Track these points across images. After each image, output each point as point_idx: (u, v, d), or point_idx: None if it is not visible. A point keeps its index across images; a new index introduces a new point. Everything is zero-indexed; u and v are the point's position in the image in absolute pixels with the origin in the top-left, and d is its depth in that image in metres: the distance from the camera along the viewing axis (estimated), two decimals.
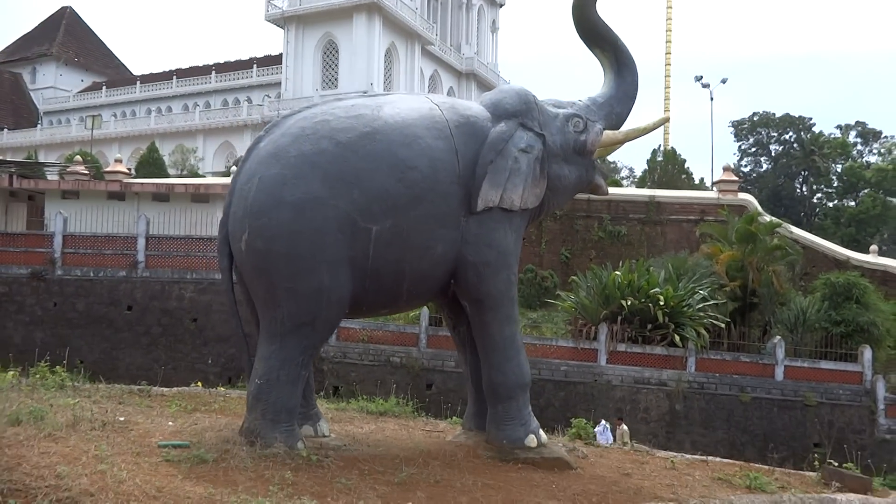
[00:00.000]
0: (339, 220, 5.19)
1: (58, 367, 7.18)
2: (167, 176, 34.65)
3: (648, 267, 18.56)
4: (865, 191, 42.55)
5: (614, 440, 11.66)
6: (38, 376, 6.94)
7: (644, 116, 7.04)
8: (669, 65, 49.53)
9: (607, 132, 6.51)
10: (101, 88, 58.47)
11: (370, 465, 5.06)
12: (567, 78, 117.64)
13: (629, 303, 16.77)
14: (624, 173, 51.08)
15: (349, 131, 5.38)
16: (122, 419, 5.71)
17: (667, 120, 7.54)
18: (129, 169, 33.23)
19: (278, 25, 47.39)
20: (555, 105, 6.49)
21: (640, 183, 37.36)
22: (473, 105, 6.22)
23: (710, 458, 7.93)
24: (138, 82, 57.44)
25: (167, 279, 19.06)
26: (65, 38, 61.36)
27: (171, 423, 5.92)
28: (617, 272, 17.61)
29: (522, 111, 6.07)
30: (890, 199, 42.01)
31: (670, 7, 49.21)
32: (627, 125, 6.73)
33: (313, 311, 5.23)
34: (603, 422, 12.98)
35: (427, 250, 5.51)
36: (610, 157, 12.68)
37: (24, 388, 6.41)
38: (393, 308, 6.06)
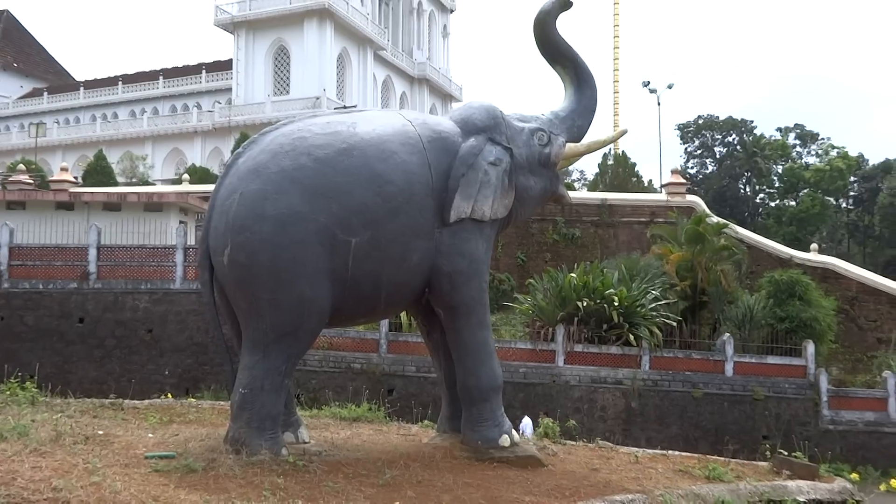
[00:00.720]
0: (320, 234, 5.35)
1: (27, 382, 7.14)
2: (115, 184, 33.87)
3: (602, 268, 19.09)
4: (805, 191, 44.47)
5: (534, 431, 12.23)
6: (7, 392, 6.90)
7: (596, 122, 7.45)
8: (618, 70, 50.83)
9: (570, 145, 6.82)
10: (43, 94, 56.64)
11: (354, 469, 5.25)
12: (519, 81, 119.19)
13: (585, 304, 17.23)
14: (575, 176, 52.09)
15: (327, 147, 5.55)
16: (101, 433, 5.76)
17: (624, 132, 7.96)
18: (76, 178, 32.37)
19: (228, 31, 46.81)
20: (520, 119, 6.78)
21: (592, 186, 38.25)
22: (444, 121, 6.47)
23: (669, 452, 8.35)
24: (82, 88, 55.81)
25: (120, 290, 18.72)
26: (2, 42, 59.23)
27: (150, 434, 5.99)
28: (572, 274, 18.07)
29: (491, 126, 6.35)
30: (828, 198, 44.00)
31: (617, 14, 50.54)
32: (588, 137, 7.09)
33: (295, 322, 5.37)
34: (526, 418, 13.63)
35: (404, 261, 5.71)
36: None
37: None
38: (371, 316, 6.25)
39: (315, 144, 5.56)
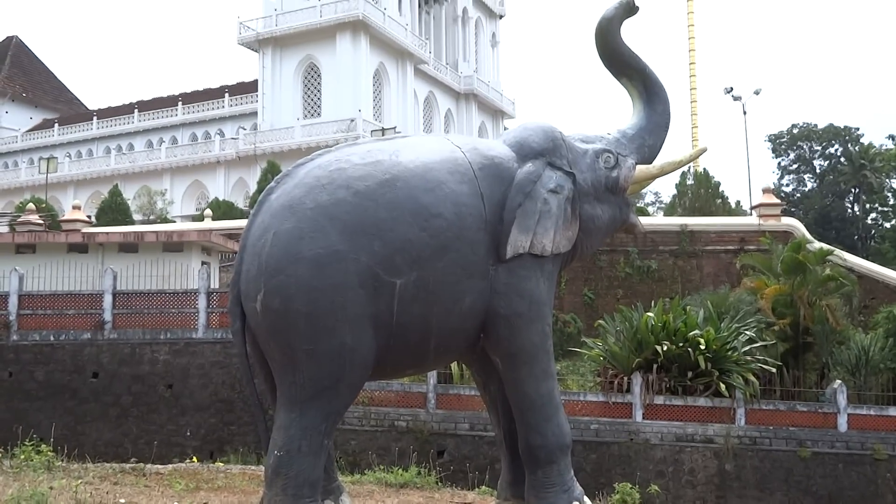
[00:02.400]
0: (361, 275, 5.49)
1: (43, 445, 7.45)
2: (132, 222, 35.17)
3: (685, 306, 18.86)
4: None
5: None
6: (22, 457, 7.21)
7: (670, 139, 7.52)
8: (694, 76, 50.72)
9: (640, 167, 6.89)
10: (54, 126, 59.49)
11: None
12: (580, 96, 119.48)
13: (665, 348, 17.01)
14: (649, 199, 51.76)
15: (367, 179, 5.72)
16: (123, 501, 5.96)
17: (704, 151, 7.97)
18: (89, 216, 33.73)
19: (253, 49, 48.52)
20: (583, 140, 6.88)
21: (670, 210, 37.92)
22: (497, 145, 6.60)
23: None
24: (95, 118, 58.39)
25: (138, 341, 19.26)
26: (10, 70, 62.55)
27: (176, 503, 6.17)
28: (649, 313, 17.89)
29: (550, 149, 6.46)
30: None
31: (692, 12, 50.53)
32: (661, 158, 7.15)
33: (335, 374, 5.49)
34: None
35: (455, 303, 5.80)
36: None
37: (10, 471, 6.68)
38: (419, 367, 6.34)
39: (354, 176, 5.74)
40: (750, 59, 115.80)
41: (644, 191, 55.13)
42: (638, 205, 42.69)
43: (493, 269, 5.99)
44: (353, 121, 44.17)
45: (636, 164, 6.88)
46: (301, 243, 5.54)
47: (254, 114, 50.12)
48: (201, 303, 19.02)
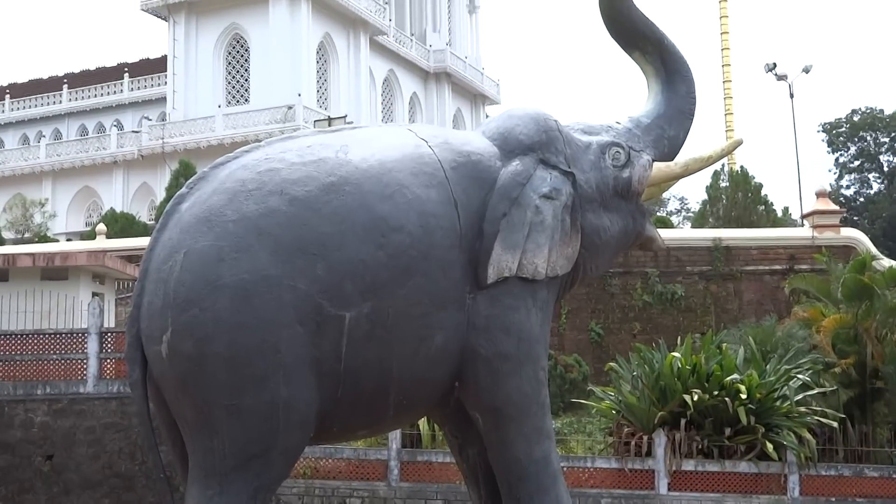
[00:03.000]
0: (299, 307, 5.50)
1: None
2: (1, 242, 34.79)
3: (720, 343, 18.95)
4: None
5: None
6: None
7: (696, 128, 7.64)
8: (727, 48, 51.46)
9: (658, 164, 7.02)
10: None
11: None
12: (581, 75, 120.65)
13: (696, 398, 17.05)
14: (673, 206, 52.33)
15: (307, 182, 5.76)
16: None
17: (740, 143, 8.13)
18: None
19: (160, 17, 48.42)
20: (585, 131, 7.02)
21: (699, 220, 38.31)
22: (475, 138, 6.71)
23: None
24: None
25: (6, 397, 18.99)
26: None
27: None
28: (675, 353, 17.95)
29: (542, 142, 6.56)
30: None
31: None
32: (685, 153, 7.29)
33: (266, 439, 5.45)
34: None
35: (421, 342, 5.84)
36: None
37: None
38: (376, 427, 6.34)
39: (291, 179, 5.77)
40: (797, 28, 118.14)
41: (665, 195, 55.68)
42: (657, 214, 43.07)
43: (470, 297, 6.07)
44: (290, 108, 44.26)
45: (653, 160, 7.01)
46: (221, 267, 5.52)
47: (162, 100, 50.11)
48: (91, 346, 18.73)
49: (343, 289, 5.61)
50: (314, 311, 5.55)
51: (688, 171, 7.29)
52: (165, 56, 49.16)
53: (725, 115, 49.96)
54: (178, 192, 6.12)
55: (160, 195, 42.24)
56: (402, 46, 54.66)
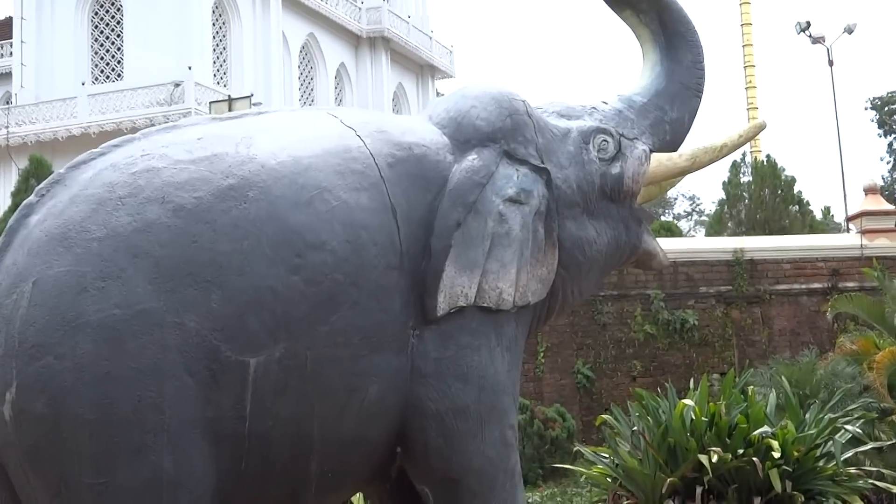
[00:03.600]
0: (189, 352, 5.40)
1: None
2: None
3: (744, 386, 19.01)
4: None
5: None
6: None
7: (705, 108, 7.62)
8: (747, 2, 52.19)
9: (658, 156, 6.99)
10: None
11: None
12: (557, 36, 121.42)
13: (715, 459, 16.97)
14: (681, 208, 52.82)
15: (198, 186, 5.68)
16: None
17: (763, 127, 8.12)
18: None
19: None
20: (562, 115, 7.01)
21: (714, 226, 38.68)
22: (418, 125, 6.67)
23: None
24: None
25: None
26: None
27: None
28: (687, 400, 17.91)
29: (507, 130, 6.51)
30: None
31: None
32: (692, 140, 7.30)
33: None
34: None
35: (351, 395, 5.77)
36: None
37: None
38: None
39: (176, 182, 5.67)
40: None
41: (669, 195, 56.10)
42: (660, 219, 43.46)
43: (414, 334, 6.01)
44: (177, 86, 44.06)
45: (651, 151, 7.00)
46: (82, 300, 5.41)
47: (6, 76, 49.65)
48: None
49: (246, 326, 5.52)
50: (208, 356, 5.44)
51: (697, 163, 7.24)
52: (10, 18, 48.77)
53: (746, 89, 50.58)
54: (25, 201, 5.97)
55: (3, 203, 41.72)
56: (326, 2, 54.69)
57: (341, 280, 5.78)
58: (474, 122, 6.56)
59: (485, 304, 6.19)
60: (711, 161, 7.39)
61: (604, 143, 6.90)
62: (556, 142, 6.80)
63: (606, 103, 7.20)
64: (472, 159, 6.37)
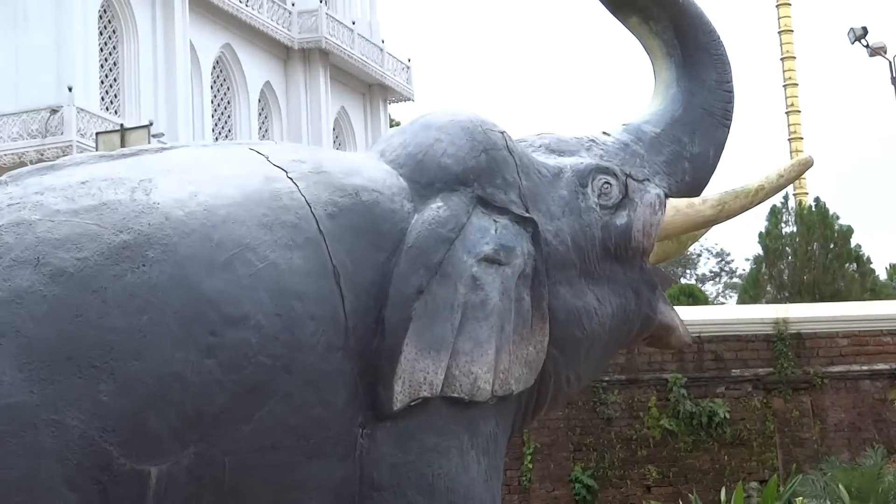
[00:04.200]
0: (70, 459, 5.36)
1: None
2: None
3: (790, 497, 19.21)
4: None
5: None
6: None
7: (734, 140, 7.64)
8: (786, 4, 52.71)
9: (676, 203, 7.01)
10: None
11: None
12: (539, 48, 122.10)
13: None
14: (706, 268, 53.08)
15: (83, 244, 5.67)
16: None
17: (809, 164, 8.12)
18: None
19: None
20: (551, 149, 7.06)
21: (750, 289, 38.85)
22: (367, 163, 6.71)
23: None
24: None
25: None
26: None
27: None
28: None
29: (481, 169, 6.53)
30: None
31: None
32: (719, 183, 7.33)
33: None
34: None
35: None
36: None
37: None
38: None
39: (54, 239, 5.65)
40: None
41: (690, 251, 56.13)
42: (679, 281, 43.60)
43: (364, 433, 5.98)
44: (55, 112, 43.97)
45: (667, 195, 7.03)
46: None
47: None
48: None
49: (146, 426, 5.48)
50: (97, 464, 5.40)
51: (725, 211, 7.20)
52: None
53: (787, 114, 51.17)
54: None
55: None
56: (246, 6, 54.86)
57: (269, 365, 5.74)
58: (439, 159, 6.57)
59: (455, 395, 6.15)
60: (744, 208, 7.38)
61: (606, 185, 6.91)
62: (545, 185, 6.83)
63: (608, 134, 7.23)
64: (436, 208, 6.37)
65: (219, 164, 6.50)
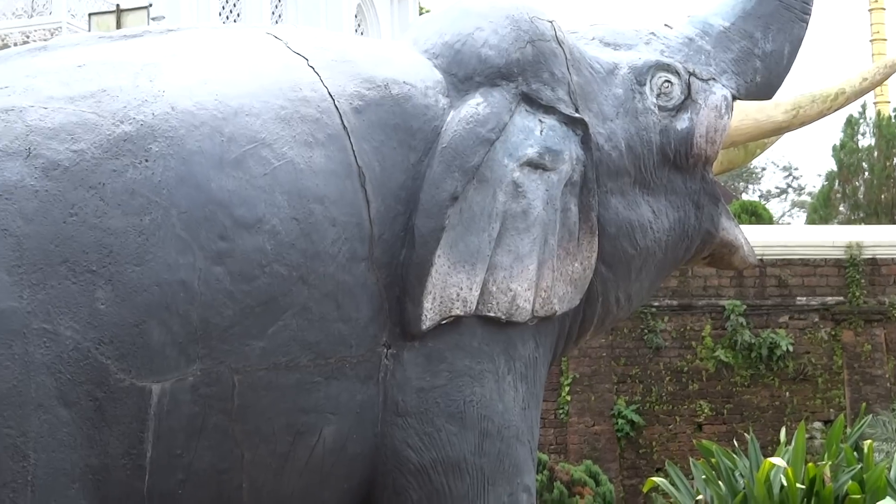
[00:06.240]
0: (63, 373, 5.39)
1: None
2: None
3: (858, 439, 19.16)
4: None
5: None
6: None
7: (810, 43, 7.57)
8: None
9: (745, 106, 7.01)
10: None
11: None
12: None
13: None
14: (772, 183, 52.84)
15: (79, 135, 5.65)
16: None
17: (894, 69, 8.08)
18: None
19: None
20: (606, 43, 7.01)
21: (821, 209, 38.69)
22: (397, 52, 6.69)
23: None
24: None
25: None
26: None
27: None
28: (775, 459, 18.03)
29: (527, 63, 6.48)
30: None
31: None
32: (793, 85, 7.31)
33: None
34: None
35: (297, 440, 5.78)
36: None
37: None
38: None
39: (47, 129, 5.64)
40: None
41: (755, 164, 55.92)
42: (741, 197, 43.43)
43: (389, 354, 6.01)
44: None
45: (735, 97, 7.02)
46: None
47: None
48: None
49: (147, 338, 5.48)
50: (92, 379, 5.41)
51: (800, 118, 7.20)
52: None
53: (870, 11, 50.66)
54: None
55: None
56: None
57: (284, 275, 5.75)
58: (480, 50, 6.52)
59: (491, 314, 6.16)
60: (820, 115, 7.34)
61: (666, 84, 6.90)
62: (598, 82, 6.80)
63: (671, 27, 7.20)
64: (475, 104, 6.35)
65: (232, 49, 6.43)
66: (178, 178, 5.71)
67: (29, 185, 5.59)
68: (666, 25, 7.20)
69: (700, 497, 18.72)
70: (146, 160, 5.70)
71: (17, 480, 5.40)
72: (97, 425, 5.50)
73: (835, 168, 38.17)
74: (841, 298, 26.37)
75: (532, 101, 6.50)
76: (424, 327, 6.04)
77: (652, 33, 7.15)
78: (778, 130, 7.33)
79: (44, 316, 5.46)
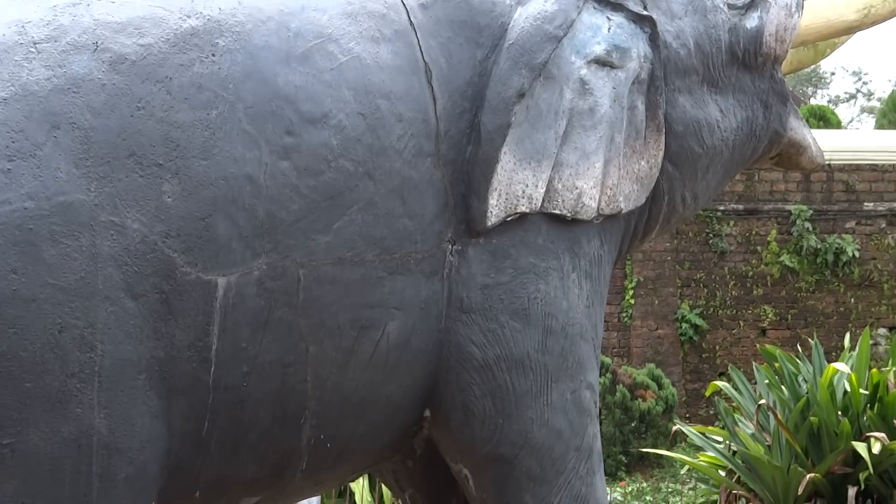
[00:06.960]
0: (129, 265, 5.48)
1: None
2: None
3: None
4: None
5: None
6: None
7: None
8: None
9: (815, 4, 6.98)
10: None
11: None
12: None
13: (877, 448, 17.02)
14: (840, 88, 52.48)
15: (146, 29, 5.70)
16: None
17: None
18: None
19: None
20: None
21: (890, 114, 38.44)
22: None
23: None
24: None
25: None
26: None
27: None
28: (838, 364, 17.91)
29: None
30: None
31: None
32: None
33: None
34: None
35: (361, 334, 5.86)
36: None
37: None
38: (274, 491, 6.14)
39: (115, 23, 5.70)
40: None
41: (823, 66, 55.49)
42: (809, 101, 43.22)
43: (454, 250, 6.08)
44: None
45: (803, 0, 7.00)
46: None
47: None
48: None
49: (213, 232, 5.56)
50: (158, 272, 5.50)
51: (872, 17, 7.17)
52: None
53: None
54: None
55: None
56: None
57: (350, 170, 5.81)
58: None
59: (557, 211, 6.19)
60: (892, 14, 7.29)
61: None
62: None
63: None
64: (543, 2, 6.35)
65: None
66: (244, 73, 5.76)
67: (96, 79, 5.62)
68: None
69: (762, 401, 18.65)
70: (213, 54, 5.74)
71: (85, 371, 5.48)
72: (163, 318, 5.58)
73: None
74: None
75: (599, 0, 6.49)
76: (490, 224, 6.08)
77: None
78: (849, 30, 7.29)
79: (111, 209, 5.52)
